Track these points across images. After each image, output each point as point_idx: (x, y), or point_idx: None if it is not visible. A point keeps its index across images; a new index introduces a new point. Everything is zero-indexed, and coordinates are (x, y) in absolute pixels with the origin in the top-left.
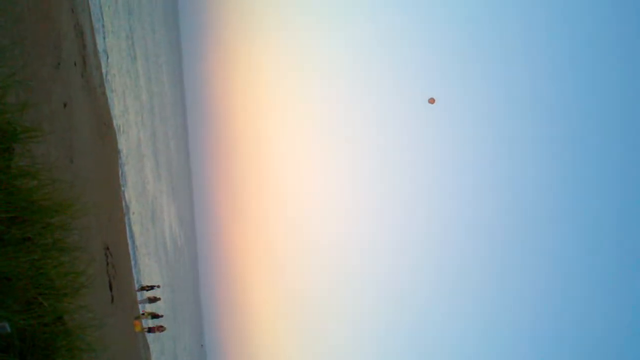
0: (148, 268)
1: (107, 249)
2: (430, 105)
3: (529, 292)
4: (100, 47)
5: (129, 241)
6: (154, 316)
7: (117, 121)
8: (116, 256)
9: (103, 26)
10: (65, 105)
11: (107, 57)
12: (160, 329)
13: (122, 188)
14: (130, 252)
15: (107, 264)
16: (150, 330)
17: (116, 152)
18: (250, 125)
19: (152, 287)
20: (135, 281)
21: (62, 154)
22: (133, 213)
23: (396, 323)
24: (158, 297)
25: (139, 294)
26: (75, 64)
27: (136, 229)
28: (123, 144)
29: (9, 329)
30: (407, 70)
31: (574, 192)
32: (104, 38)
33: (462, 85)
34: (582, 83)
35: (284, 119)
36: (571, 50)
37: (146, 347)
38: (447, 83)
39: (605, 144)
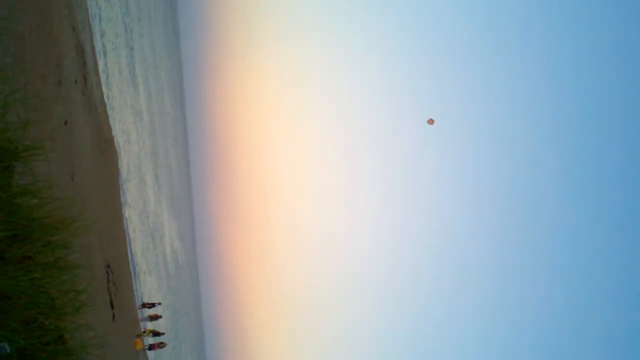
0: (149, 285)
1: (108, 266)
2: (429, 125)
3: (528, 298)
4: (101, 65)
5: (130, 259)
6: (155, 334)
7: (118, 139)
8: (117, 274)
9: (104, 45)
10: (66, 123)
11: (108, 75)
12: (161, 345)
13: (123, 205)
14: (131, 269)
15: (108, 281)
16: (151, 347)
17: (117, 169)
18: (251, 142)
19: (153, 305)
20: (137, 299)
21: (63, 172)
22: (134, 230)
23: (395, 324)
24: (159, 314)
25: (140, 311)
26: (76, 82)
27: (137, 246)
28: (124, 161)
29: (8, 349)
30: (406, 91)
31: (571, 204)
32: (105, 56)
33: (459, 105)
34: (578, 97)
35: (284, 136)
36: (568, 69)
37: None
38: (445, 104)
39: (601, 162)
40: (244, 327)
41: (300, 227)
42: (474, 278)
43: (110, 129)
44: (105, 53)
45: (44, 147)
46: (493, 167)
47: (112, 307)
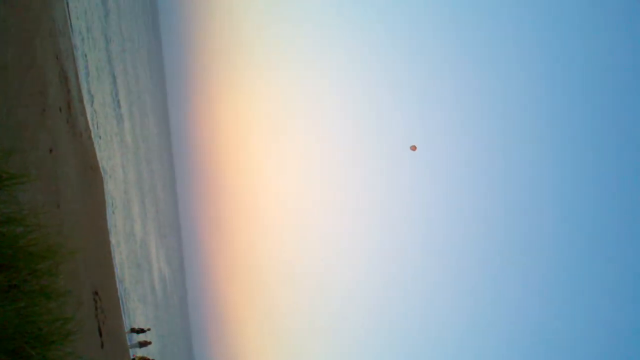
0: (137, 312)
1: (96, 293)
2: (412, 152)
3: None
4: (84, 92)
5: (118, 285)
6: None
7: (104, 165)
8: (105, 300)
9: (87, 72)
10: (51, 150)
11: (92, 102)
12: None
13: (110, 232)
14: (119, 296)
15: (96, 308)
16: None
17: (103, 196)
18: (238, 164)
19: (142, 330)
20: (125, 325)
21: (48, 200)
22: (121, 257)
23: (380, 328)
24: (149, 340)
25: (129, 337)
26: (60, 110)
27: (125, 272)
28: (110, 187)
29: None
30: (390, 118)
31: (558, 233)
32: (88, 83)
33: (442, 132)
34: (561, 125)
35: (271, 158)
36: (547, 97)
37: None
38: (428, 131)
39: (588, 189)
40: (234, 351)
41: (289, 250)
42: (454, 294)
43: (95, 156)
44: (89, 80)
45: (29, 175)
46: (475, 194)
47: (100, 334)
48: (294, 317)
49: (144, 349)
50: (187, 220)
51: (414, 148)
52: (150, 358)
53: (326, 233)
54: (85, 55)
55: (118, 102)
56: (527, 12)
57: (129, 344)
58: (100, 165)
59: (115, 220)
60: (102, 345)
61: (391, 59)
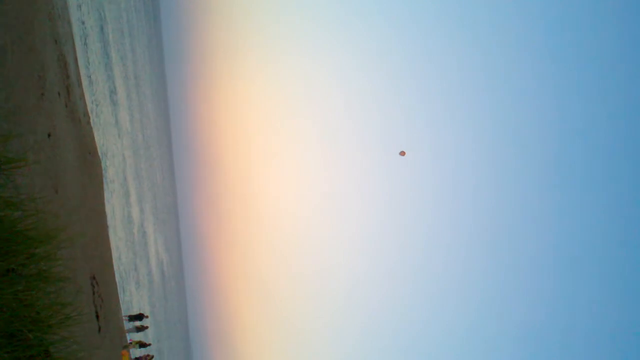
0: (135, 297)
1: (94, 278)
2: (401, 156)
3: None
4: (84, 77)
5: (116, 271)
6: (142, 345)
7: (102, 151)
8: (103, 286)
9: (87, 57)
10: (49, 135)
11: (92, 87)
12: (148, 358)
13: (108, 217)
14: (117, 281)
15: (94, 293)
16: None
17: (101, 181)
18: (236, 152)
19: (139, 316)
20: (122, 311)
21: (46, 185)
22: (119, 242)
23: (379, 327)
24: (146, 325)
25: (126, 323)
26: (59, 94)
27: (123, 258)
28: (108, 173)
29: None
30: (380, 124)
31: (546, 233)
32: (88, 68)
33: (430, 136)
34: (550, 130)
35: (269, 145)
36: (536, 101)
37: None
38: (416, 136)
39: (578, 196)
40: (231, 336)
41: (286, 236)
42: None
43: (94, 141)
44: (88, 65)
45: (27, 160)
46: (464, 199)
47: (97, 319)
48: (291, 300)
49: (140, 333)
50: (185, 207)
51: (403, 153)
52: (148, 343)
53: (322, 217)
54: (85, 40)
55: (117, 87)
56: (517, 18)
57: (126, 329)
58: (99, 150)
59: (114, 206)
60: (99, 330)
61: (392, 60)
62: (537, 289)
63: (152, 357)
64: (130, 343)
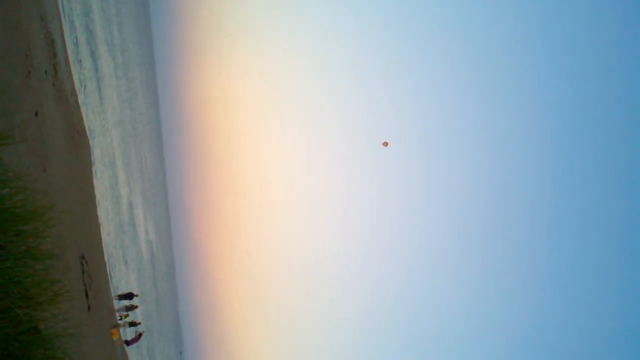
0: (125, 277)
1: (83, 257)
2: (384, 147)
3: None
4: (72, 56)
5: (105, 250)
6: (132, 324)
7: (90, 130)
8: (92, 265)
9: (75, 36)
10: (36, 114)
11: (80, 67)
12: (138, 333)
13: (97, 196)
14: (106, 260)
15: (83, 272)
16: (128, 342)
17: (90, 160)
18: (226, 133)
19: (128, 295)
20: (112, 290)
21: (34, 163)
22: (108, 222)
23: (372, 323)
24: (135, 304)
25: (116, 302)
26: (46, 73)
27: (112, 237)
28: (97, 152)
29: None
30: (364, 116)
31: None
32: (77, 47)
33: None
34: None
35: (258, 128)
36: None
37: (124, 355)
38: (400, 129)
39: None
40: (220, 317)
41: (276, 219)
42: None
43: (82, 120)
44: (77, 44)
45: (13, 137)
46: (446, 189)
47: (87, 297)
48: (281, 281)
49: (130, 312)
50: (175, 186)
51: (385, 144)
52: (137, 321)
53: (313, 200)
54: (73, 21)
55: (105, 67)
56: (505, 13)
57: (115, 308)
58: (87, 129)
59: (102, 186)
60: (89, 308)
61: (388, 55)
62: (534, 288)
63: (143, 332)
64: (120, 318)
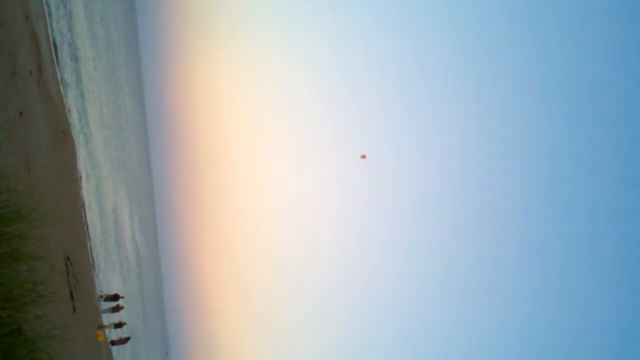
0: (110, 278)
1: (68, 258)
2: (362, 159)
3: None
4: (57, 56)
5: (90, 251)
6: (117, 325)
7: (76, 130)
8: (77, 266)
9: (62, 36)
10: (21, 114)
11: (65, 67)
12: (124, 340)
13: (82, 197)
14: (91, 262)
15: (68, 273)
16: (113, 343)
17: (75, 161)
18: (212, 133)
19: (114, 297)
20: (98, 292)
21: (18, 163)
22: (93, 223)
23: (362, 319)
24: (121, 305)
25: (101, 303)
26: (31, 73)
27: (97, 239)
28: (82, 152)
29: None
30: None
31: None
32: (62, 47)
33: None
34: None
35: (246, 127)
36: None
37: (110, 357)
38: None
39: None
40: (206, 317)
41: (263, 219)
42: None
43: (67, 120)
44: (62, 44)
45: None
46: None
47: (72, 299)
48: (267, 280)
49: (116, 314)
50: (161, 187)
51: (364, 156)
52: (123, 321)
53: (300, 198)
54: (58, 21)
55: (89, 67)
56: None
57: (101, 309)
58: (72, 130)
59: (87, 186)
60: (74, 310)
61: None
62: (530, 288)
63: (129, 338)
64: (101, 296)
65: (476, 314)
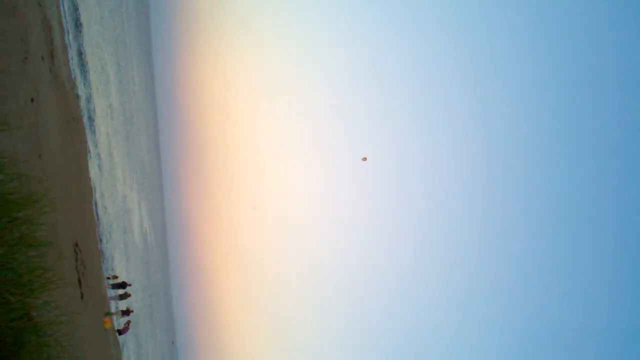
0: (118, 265)
1: (77, 245)
2: (363, 162)
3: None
4: (71, 44)
5: (99, 238)
6: (125, 312)
7: (87, 117)
8: (85, 253)
9: (75, 23)
10: (32, 100)
11: (80, 53)
12: (126, 325)
13: (92, 185)
14: (100, 248)
15: (77, 260)
16: (120, 332)
17: (85, 148)
18: (221, 125)
19: (122, 284)
20: (105, 278)
21: (29, 150)
22: (103, 210)
23: (364, 317)
24: (129, 293)
25: (108, 290)
26: (42, 59)
27: (106, 226)
28: (92, 140)
29: None
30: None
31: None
32: (76, 35)
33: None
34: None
35: (253, 118)
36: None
37: (116, 344)
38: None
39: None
40: (213, 306)
41: (271, 211)
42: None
43: (78, 107)
44: (76, 30)
45: (9, 124)
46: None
47: (80, 285)
48: (274, 270)
49: (123, 301)
50: (170, 175)
51: (365, 159)
52: (131, 309)
53: (307, 192)
54: (74, 4)
55: (102, 57)
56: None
57: (109, 295)
58: (83, 117)
59: (97, 173)
60: (81, 296)
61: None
62: (529, 288)
63: (129, 322)
64: (109, 278)
65: (479, 315)
